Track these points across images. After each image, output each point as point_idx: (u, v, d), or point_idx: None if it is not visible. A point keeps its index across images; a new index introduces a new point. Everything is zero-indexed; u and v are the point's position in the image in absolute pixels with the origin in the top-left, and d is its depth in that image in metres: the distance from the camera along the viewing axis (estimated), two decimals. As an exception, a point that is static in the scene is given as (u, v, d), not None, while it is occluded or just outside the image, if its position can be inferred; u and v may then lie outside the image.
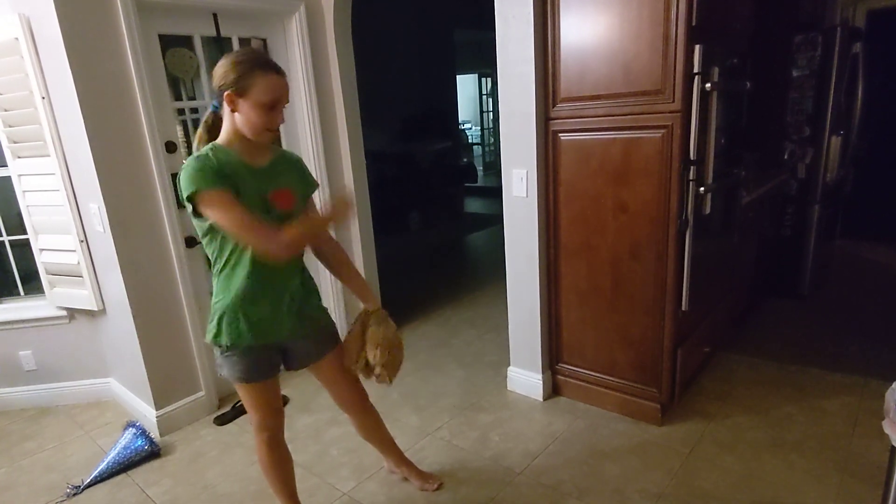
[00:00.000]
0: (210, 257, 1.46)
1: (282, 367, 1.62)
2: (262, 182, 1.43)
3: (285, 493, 1.71)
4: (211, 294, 2.60)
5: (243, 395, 1.56)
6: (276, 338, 1.51)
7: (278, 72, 1.38)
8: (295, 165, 1.58)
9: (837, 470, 1.90)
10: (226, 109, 1.38)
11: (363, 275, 3.14)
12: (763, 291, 3.36)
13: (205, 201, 1.31)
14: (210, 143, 1.40)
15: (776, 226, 3.38)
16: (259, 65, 1.35)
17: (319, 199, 2.93)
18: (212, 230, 1.40)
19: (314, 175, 2.85)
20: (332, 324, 1.68)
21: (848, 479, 1.85)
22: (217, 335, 1.46)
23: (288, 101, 1.43)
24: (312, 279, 1.62)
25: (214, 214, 1.32)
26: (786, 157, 3.31)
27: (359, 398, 1.76)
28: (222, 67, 1.34)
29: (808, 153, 3.23)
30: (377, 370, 1.59)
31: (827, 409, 2.26)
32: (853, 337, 2.86)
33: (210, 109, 1.47)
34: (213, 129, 1.46)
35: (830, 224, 3.52)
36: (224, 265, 1.43)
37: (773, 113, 3.28)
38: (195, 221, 1.40)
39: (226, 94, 1.34)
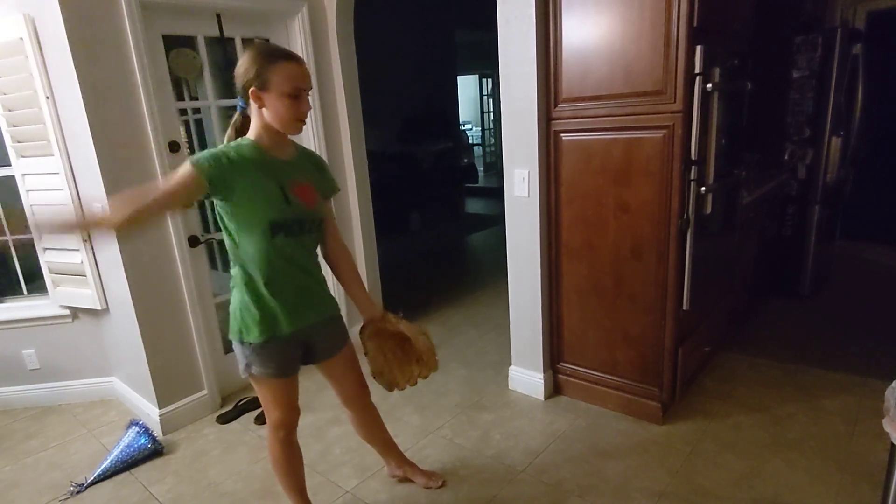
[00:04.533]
0: (229, 254, 1.48)
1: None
2: (283, 173, 1.45)
3: (295, 489, 1.72)
4: (215, 294, 2.64)
5: (266, 392, 1.55)
6: (299, 324, 1.51)
7: (296, 59, 1.39)
8: (316, 164, 1.61)
9: (838, 468, 1.91)
10: (253, 107, 1.40)
11: (365, 275, 3.17)
12: (763, 291, 3.37)
13: (183, 166, 1.34)
14: (241, 138, 1.43)
15: (776, 226, 3.39)
16: (276, 56, 1.36)
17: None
18: (225, 223, 1.42)
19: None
20: (342, 319, 1.70)
21: (848, 477, 1.86)
22: (248, 334, 1.46)
23: (311, 88, 1.44)
24: (322, 273, 1.63)
25: (172, 174, 1.35)
26: (786, 157, 3.32)
27: (362, 394, 1.78)
28: (242, 66, 1.37)
29: (808, 154, 3.25)
30: (423, 374, 1.68)
31: (827, 408, 2.27)
32: (853, 337, 2.87)
33: (238, 110, 1.49)
34: (242, 130, 1.48)
35: (830, 224, 3.53)
36: (237, 260, 1.45)
37: (774, 113, 3.29)
38: (220, 210, 1.43)
39: (251, 90, 1.36)
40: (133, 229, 1.34)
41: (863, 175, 3.89)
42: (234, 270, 1.47)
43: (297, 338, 1.53)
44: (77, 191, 2.38)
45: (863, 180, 3.93)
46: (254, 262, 1.43)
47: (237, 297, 1.47)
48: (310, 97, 1.46)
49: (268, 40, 2.69)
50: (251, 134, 1.43)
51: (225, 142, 1.49)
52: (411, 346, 1.67)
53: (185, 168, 1.32)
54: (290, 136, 1.48)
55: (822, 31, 3.10)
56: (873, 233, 4.19)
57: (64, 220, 1.46)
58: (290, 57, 1.38)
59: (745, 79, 2.39)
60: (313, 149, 2.85)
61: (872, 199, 4.11)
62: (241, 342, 1.48)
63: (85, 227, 1.56)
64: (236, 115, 1.49)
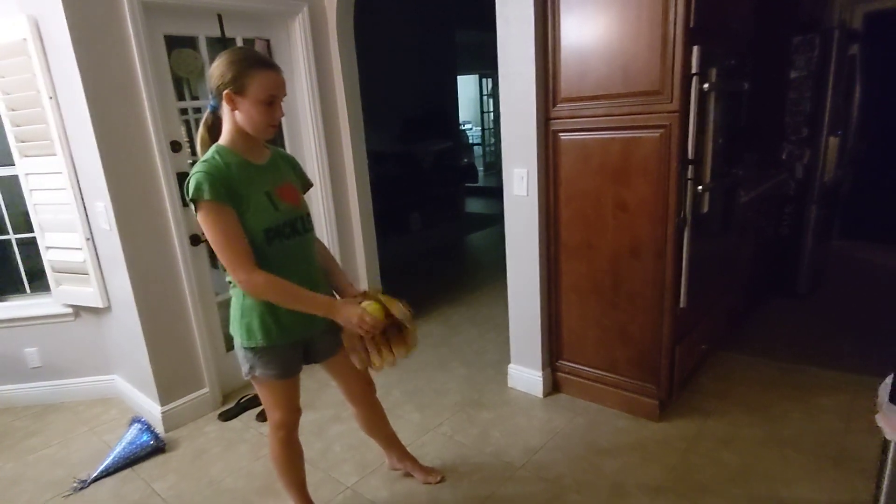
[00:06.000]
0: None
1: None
2: (267, 178, 1.46)
3: (296, 487, 1.73)
4: (216, 293, 2.66)
5: (269, 393, 1.56)
6: (304, 333, 1.53)
7: (273, 67, 1.39)
8: (290, 162, 1.62)
9: (832, 464, 1.93)
10: (225, 109, 1.39)
11: (365, 274, 3.18)
12: (760, 290, 3.38)
13: (203, 210, 1.34)
14: (214, 146, 1.43)
15: (774, 225, 3.40)
16: (254, 62, 1.36)
17: (322, 200, 2.96)
18: None
19: (316, 174, 2.90)
20: None
21: (842, 472, 1.89)
22: (251, 338, 1.46)
23: (286, 95, 1.44)
24: (323, 274, 1.64)
25: (206, 226, 1.35)
26: (784, 157, 3.34)
27: (367, 391, 1.80)
28: (219, 68, 1.36)
29: (805, 153, 3.26)
30: (391, 358, 1.57)
31: (823, 405, 2.29)
32: (849, 335, 2.89)
33: (209, 109, 1.48)
34: (214, 129, 1.48)
35: (828, 224, 3.55)
36: None
37: (772, 113, 3.30)
38: None
39: (224, 93, 1.36)
40: (268, 278, 1.39)
41: (860, 175, 3.92)
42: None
43: (298, 341, 1.55)
44: (80, 190, 2.40)
45: (860, 180, 3.95)
46: None
47: (240, 301, 1.48)
48: (305, 97, 1.46)
49: (268, 41, 2.71)
50: (224, 138, 1.43)
51: (198, 141, 1.50)
52: (393, 328, 1.58)
53: (210, 208, 1.33)
54: (268, 137, 1.47)
55: (820, 32, 3.11)
56: (870, 232, 4.21)
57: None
58: (268, 65, 1.38)
59: (743, 79, 2.40)
60: (313, 149, 2.87)
61: (870, 198, 4.13)
62: (246, 347, 1.48)
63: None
64: (207, 114, 1.48)
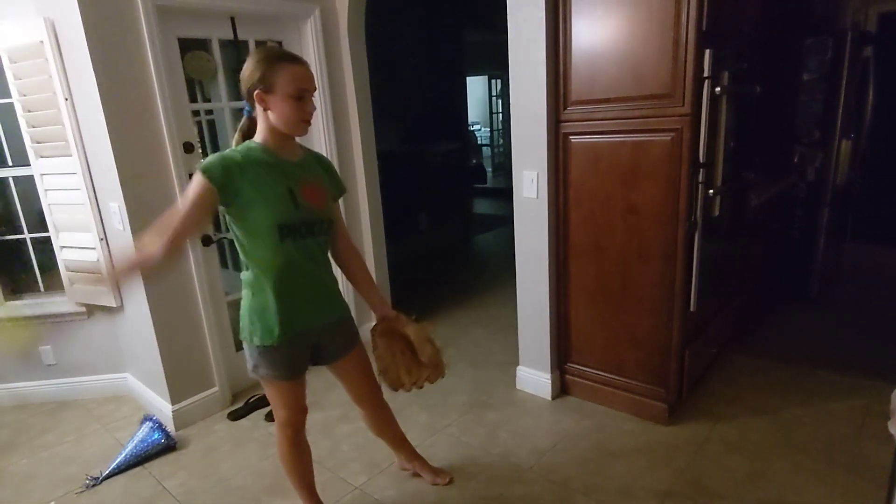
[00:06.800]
0: (240, 255, 1.49)
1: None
2: (292, 175, 1.47)
3: (304, 486, 1.75)
4: (227, 293, 2.68)
5: (274, 392, 1.58)
6: (308, 324, 1.53)
7: (299, 61, 1.42)
8: (325, 166, 1.63)
9: (844, 471, 1.91)
10: (258, 110, 1.42)
11: (374, 275, 3.19)
12: (771, 294, 3.36)
13: (195, 176, 1.37)
14: (247, 141, 1.46)
15: (785, 228, 3.38)
16: (280, 58, 1.39)
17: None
18: (234, 228, 1.44)
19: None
20: (353, 319, 1.72)
21: (854, 479, 1.87)
22: (253, 338, 1.48)
23: (315, 89, 1.46)
24: (334, 275, 1.65)
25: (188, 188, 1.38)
26: (795, 160, 3.31)
27: (375, 394, 1.80)
28: (247, 70, 1.39)
29: (817, 156, 3.23)
30: (430, 379, 1.69)
31: (834, 411, 2.27)
32: (861, 340, 2.86)
33: (244, 115, 1.51)
34: (249, 135, 1.50)
35: (840, 227, 3.52)
36: (250, 261, 1.46)
37: (783, 116, 3.28)
38: (226, 215, 1.44)
39: (255, 93, 1.38)
40: (174, 256, 1.37)
41: (873, 177, 3.88)
42: (245, 273, 1.49)
43: (306, 339, 1.55)
44: (94, 191, 2.43)
45: (873, 182, 3.91)
46: (263, 267, 1.44)
47: (247, 300, 1.49)
48: (316, 98, 1.47)
49: (280, 43, 2.73)
50: (258, 137, 1.46)
51: (233, 146, 1.51)
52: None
53: (196, 178, 1.35)
54: (296, 139, 1.50)
55: (833, 34, 3.08)
56: (884, 235, 4.16)
57: (122, 268, 1.46)
58: (294, 59, 1.41)
59: (754, 81, 2.39)
60: (324, 150, 2.89)
61: (883, 201, 4.09)
62: (250, 342, 1.50)
63: (138, 265, 1.41)
64: (243, 120, 1.51)
